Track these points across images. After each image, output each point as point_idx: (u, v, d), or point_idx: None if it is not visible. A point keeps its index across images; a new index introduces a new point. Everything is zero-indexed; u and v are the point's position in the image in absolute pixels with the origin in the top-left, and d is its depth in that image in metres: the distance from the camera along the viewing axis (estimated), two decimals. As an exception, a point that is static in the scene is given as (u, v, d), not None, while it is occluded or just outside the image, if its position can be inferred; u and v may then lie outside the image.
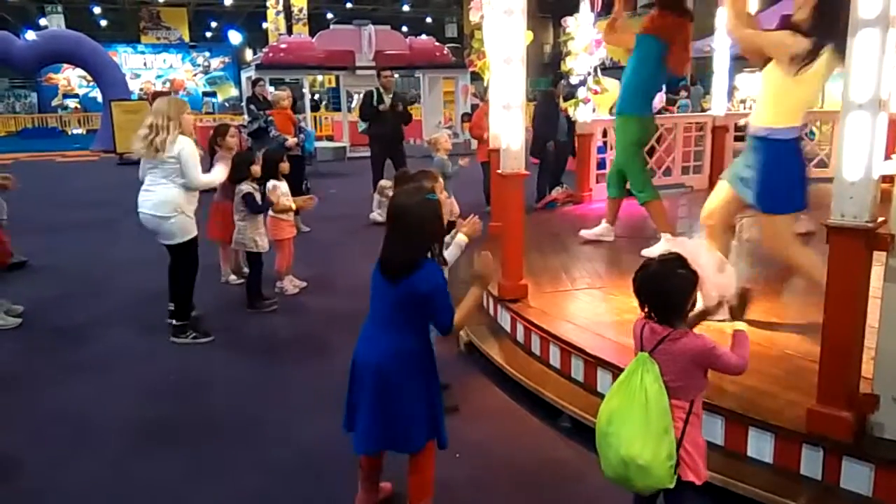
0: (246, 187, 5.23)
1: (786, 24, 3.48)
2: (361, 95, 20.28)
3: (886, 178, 2.44)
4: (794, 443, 2.64)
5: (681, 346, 2.09)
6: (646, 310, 2.17)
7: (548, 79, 8.93)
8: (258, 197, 5.29)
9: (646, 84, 5.31)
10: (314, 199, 6.12)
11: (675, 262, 2.15)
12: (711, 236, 3.87)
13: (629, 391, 2.09)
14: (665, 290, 2.12)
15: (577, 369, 3.60)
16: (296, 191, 7.25)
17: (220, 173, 4.85)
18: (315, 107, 22.44)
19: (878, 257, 2.45)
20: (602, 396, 3.36)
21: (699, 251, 2.26)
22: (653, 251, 4.75)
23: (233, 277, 6.03)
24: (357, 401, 2.48)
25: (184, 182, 4.45)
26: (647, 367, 2.09)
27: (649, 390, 2.06)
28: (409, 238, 2.34)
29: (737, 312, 2.25)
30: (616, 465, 2.08)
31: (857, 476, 2.50)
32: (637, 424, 2.04)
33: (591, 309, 4.17)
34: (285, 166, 5.71)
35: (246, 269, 5.74)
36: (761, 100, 3.58)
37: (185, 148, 4.40)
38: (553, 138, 8.32)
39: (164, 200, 4.43)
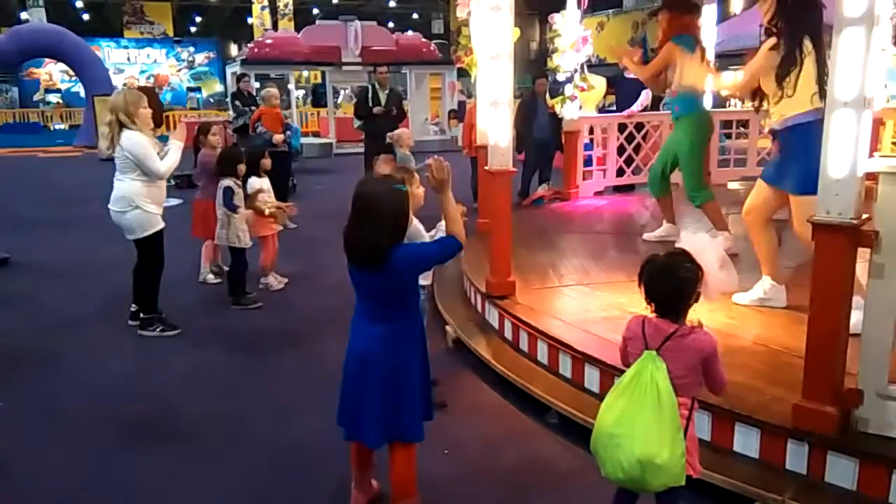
0: (228, 182, 5.21)
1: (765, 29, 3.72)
2: (350, 91, 20.35)
3: (871, 176, 2.45)
4: (780, 438, 2.66)
5: (690, 342, 2.10)
6: (651, 303, 2.16)
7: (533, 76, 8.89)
8: (237, 196, 5.24)
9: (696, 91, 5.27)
10: (293, 208, 6.10)
11: (683, 257, 2.16)
12: (752, 230, 3.98)
13: (639, 390, 2.06)
14: (674, 284, 2.12)
15: (565, 365, 3.61)
16: (282, 188, 7.23)
17: (174, 156, 4.61)
18: (317, 101, 21.94)
19: (862, 253, 2.48)
20: (590, 392, 3.40)
21: (704, 247, 2.26)
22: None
23: (210, 277, 5.96)
24: (357, 395, 2.47)
25: (141, 176, 4.42)
26: (657, 365, 2.07)
27: (661, 388, 2.04)
28: (376, 225, 2.31)
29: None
30: (629, 466, 2.03)
31: (841, 470, 2.52)
32: (651, 424, 2.02)
33: (579, 305, 4.18)
34: (267, 163, 5.70)
35: (226, 268, 5.70)
36: (774, 98, 3.70)
37: (131, 142, 4.35)
38: (529, 136, 8.27)
39: (120, 195, 4.45)
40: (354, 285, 2.47)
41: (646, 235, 5.73)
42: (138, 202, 4.44)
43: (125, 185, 4.44)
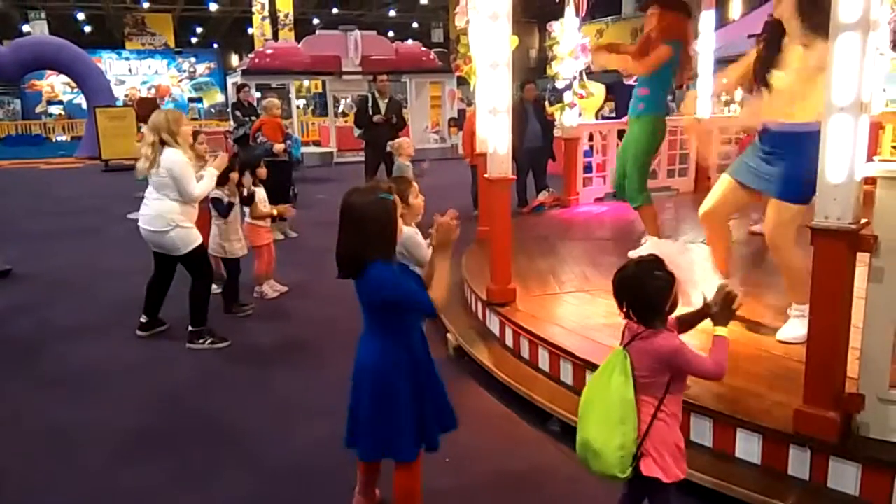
0: (215, 192, 5.17)
1: (771, 24, 3.51)
2: (351, 100, 20.42)
3: (869, 180, 2.46)
4: (782, 443, 2.65)
5: (649, 344, 2.14)
6: (624, 310, 2.22)
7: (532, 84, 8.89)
8: (226, 204, 5.25)
9: (665, 85, 5.29)
10: (290, 209, 6.19)
11: (652, 264, 2.18)
12: (711, 230, 3.92)
13: (601, 379, 2.20)
14: (641, 291, 2.17)
15: (566, 372, 3.61)
16: (284, 197, 7.25)
17: (208, 182, 4.71)
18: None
19: (862, 258, 2.48)
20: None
21: (677, 253, 2.27)
22: (639, 252, 4.87)
23: (213, 286, 5.95)
24: (353, 406, 2.47)
25: (178, 196, 4.44)
26: (619, 359, 2.17)
27: (614, 380, 2.15)
28: (361, 235, 2.29)
29: (719, 318, 2.23)
30: (579, 446, 2.21)
31: (843, 476, 2.51)
32: (598, 412, 2.16)
33: (580, 312, 4.18)
34: (262, 171, 5.72)
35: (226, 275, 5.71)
36: (788, 99, 3.43)
37: (173, 161, 4.39)
38: (520, 143, 8.27)
39: (158, 214, 4.45)
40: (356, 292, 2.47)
41: (631, 253, 5.60)
42: (178, 221, 4.46)
43: (163, 205, 4.44)
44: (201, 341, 4.67)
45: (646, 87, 5.20)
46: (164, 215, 4.44)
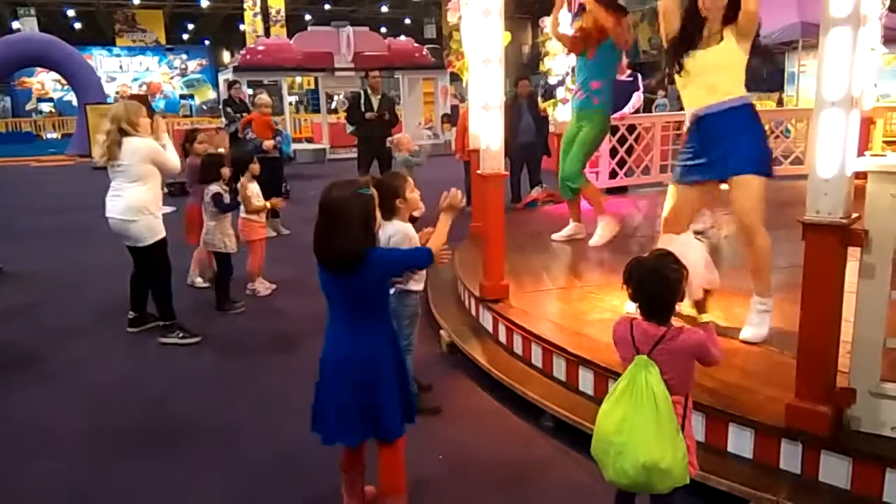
0: (215, 187, 5.22)
1: (691, 14, 3.57)
2: (343, 96, 20.40)
3: (860, 175, 2.46)
4: (774, 438, 2.66)
5: (680, 342, 2.10)
6: (640, 304, 2.16)
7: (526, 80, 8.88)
8: (227, 197, 5.28)
9: (613, 78, 5.59)
10: (281, 202, 6.24)
11: (669, 258, 2.16)
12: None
13: (635, 397, 2.07)
14: (664, 286, 2.11)
15: (559, 368, 3.61)
16: (275, 193, 7.23)
17: (171, 149, 4.72)
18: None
19: (853, 253, 2.49)
20: (584, 395, 3.40)
21: (687, 247, 2.27)
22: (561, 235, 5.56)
23: (199, 280, 5.94)
24: (327, 400, 2.48)
25: (148, 183, 4.46)
26: (650, 370, 2.07)
27: (657, 393, 2.05)
28: (348, 230, 2.34)
29: (702, 306, 2.27)
30: (634, 473, 2.05)
31: (835, 470, 2.52)
32: (652, 429, 2.03)
33: (573, 308, 4.18)
34: (255, 167, 5.71)
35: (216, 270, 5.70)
36: (722, 77, 3.48)
37: (143, 145, 4.42)
38: (513, 139, 8.27)
39: (129, 204, 4.44)
40: (327, 293, 2.48)
41: (554, 236, 5.89)
42: (151, 210, 4.49)
43: (135, 194, 4.44)
44: (172, 335, 4.66)
45: (598, 81, 5.35)
46: (134, 205, 4.44)
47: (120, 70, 32.41)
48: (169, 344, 4.64)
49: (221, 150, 6.11)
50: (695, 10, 3.50)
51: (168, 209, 5.31)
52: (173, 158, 4.64)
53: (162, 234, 4.59)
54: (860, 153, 2.53)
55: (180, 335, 4.67)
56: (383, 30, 26.27)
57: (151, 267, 4.63)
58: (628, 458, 2.04)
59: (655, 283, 2.11)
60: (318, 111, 21.12)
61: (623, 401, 2.10)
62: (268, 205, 5.74)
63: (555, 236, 5.86)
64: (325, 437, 2.51)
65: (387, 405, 2.45)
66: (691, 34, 3.53)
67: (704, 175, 3.61)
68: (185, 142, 6.01)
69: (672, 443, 2.04)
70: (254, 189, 5.62)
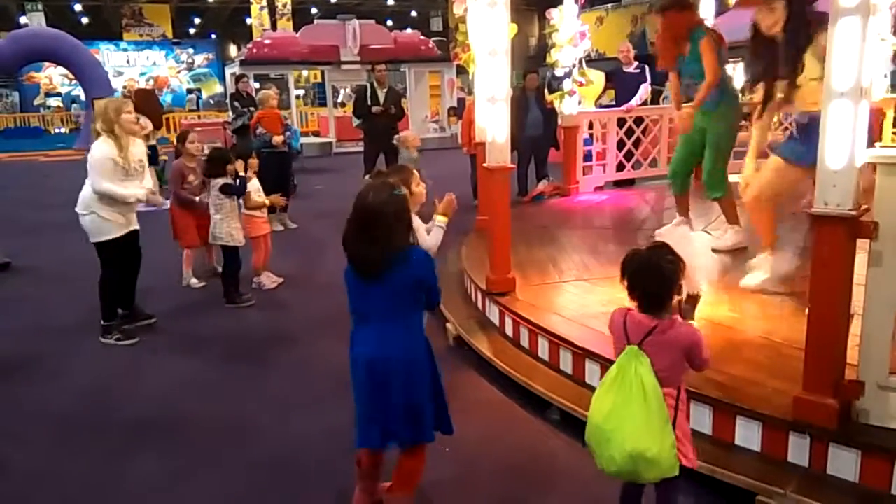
0: (221, 180, 5.25)
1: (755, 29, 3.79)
2: (349, 90, 20.38)
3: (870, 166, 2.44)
4: (781, 430, 2.65)
5: (671, 336, 2.10)
6: (635, 297, 2.16)
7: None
8: (236, 182, 5.33)
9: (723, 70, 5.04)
10: (282, 199, 6.32)
11: (664, 249, 2.16)
12: (757, 209, 3.99)
13: (625, 386, 2.08)
14: (659, 277, 2.11)
15: (566, 361, 3.60)
16: (284, 188, 7.26)
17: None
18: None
19: (863, 244, 2.47)
20: (591, 388, 3.39)
21: (684, 240, 2.27)
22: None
23: (194, 281, 5.93)
24: (375, 403, 2.43)
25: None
26: (640, 360, 2.08)
27: (646, 383, 2.06)
28: (389, 235, 2.33)
29: (688, 312, 2.26)
30: (622, 461, 2.06)
31: (843, 463, 2.51)
32: (639, 419, 2.04)
33: (579, 301, 4.17)
34: (254, 162, 5.76)
35: (219, 268, 5.72)
36: (813, 91, 3.52)
37: (92, 155, 4.43)
38: (520, 132, 8.21)
39: (82, 198, 4.52)
40: (357, 295, 2.44)
41: (716, 245, 4.63)
42: (94, 207, 4.47)
43: (86, 190, 4.50)
44: (109, 336, 4.66)
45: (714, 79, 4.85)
46: (84, 200, 4.50)
47: (127, 64, 32.41)
48: (104, 344, 4.62)
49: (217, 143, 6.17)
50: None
51: (148, 209, 5.24)
52: (104, 185, 4.36)
53: (110, 236, 4.51)
54: (871, 144, 2.51)
55: (117, 337, 4.65)
56: (389, 23, 26.15)
57: (101, 264, 4.61)
58: (616, 446, 2.06)
59: (651, 275, 2.12)
60: (324, 105, 21.08)
61: (613, 389, 2.12)
62: (267, 202, 5.74)
63: (713, 243, 4.60)
64: (367, 441, 2.48)
65: (424, 405, 2.45)
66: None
67: (795, 159, 3.76)
68: (178, 141, 6.02)
69: (660, 433, 2.04)
70: (254, 184, 5.63)
